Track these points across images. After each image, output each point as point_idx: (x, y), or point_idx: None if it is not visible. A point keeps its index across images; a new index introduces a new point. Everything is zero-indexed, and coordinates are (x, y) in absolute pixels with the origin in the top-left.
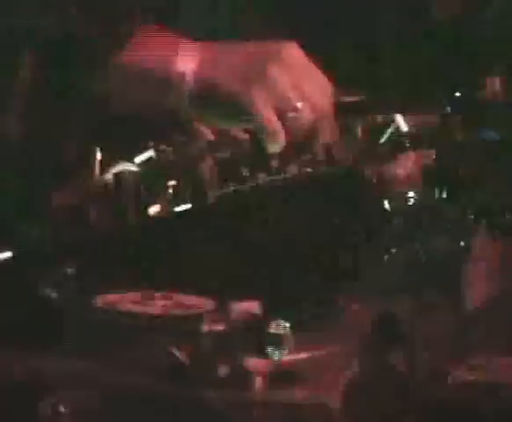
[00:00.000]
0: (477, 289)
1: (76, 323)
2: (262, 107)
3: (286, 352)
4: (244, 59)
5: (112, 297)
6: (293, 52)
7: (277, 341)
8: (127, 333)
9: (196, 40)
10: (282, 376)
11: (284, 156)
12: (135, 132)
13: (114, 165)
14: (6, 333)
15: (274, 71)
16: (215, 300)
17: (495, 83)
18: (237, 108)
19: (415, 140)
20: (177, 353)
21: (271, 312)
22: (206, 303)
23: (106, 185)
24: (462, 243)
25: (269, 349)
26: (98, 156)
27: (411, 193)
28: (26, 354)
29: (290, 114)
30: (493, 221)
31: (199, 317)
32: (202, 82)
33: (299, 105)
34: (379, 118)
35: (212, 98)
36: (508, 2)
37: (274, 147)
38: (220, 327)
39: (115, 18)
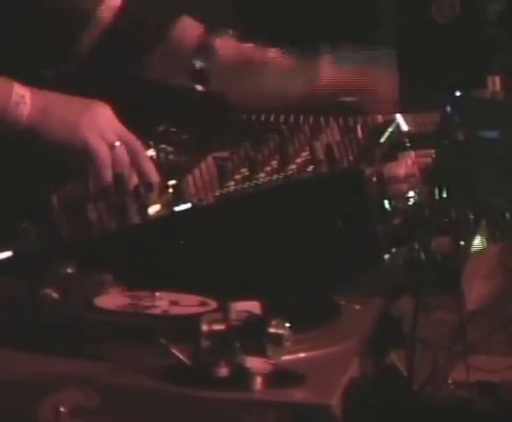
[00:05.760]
0: (476, 289)
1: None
2: (89, 131)
3: (286, 352)
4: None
5: (112, 297)
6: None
7: (277, 341)
8: (126, 333)
9: None
10: (282, 376)
11: None
12: None
13: None
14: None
15: (96, 110)
16: (215, 300)
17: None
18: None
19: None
20: (177, 353)
21: (271, 312)
22: (206, 303)
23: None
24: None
25: (269, 349)
26: None
27: (411, 193)
28: (27, 354)
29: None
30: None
31: (199, 317)
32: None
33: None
34: (379, 118)
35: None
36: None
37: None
38: (220, 327)
39: None
